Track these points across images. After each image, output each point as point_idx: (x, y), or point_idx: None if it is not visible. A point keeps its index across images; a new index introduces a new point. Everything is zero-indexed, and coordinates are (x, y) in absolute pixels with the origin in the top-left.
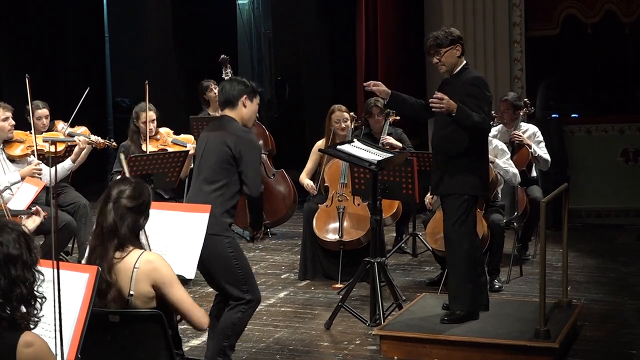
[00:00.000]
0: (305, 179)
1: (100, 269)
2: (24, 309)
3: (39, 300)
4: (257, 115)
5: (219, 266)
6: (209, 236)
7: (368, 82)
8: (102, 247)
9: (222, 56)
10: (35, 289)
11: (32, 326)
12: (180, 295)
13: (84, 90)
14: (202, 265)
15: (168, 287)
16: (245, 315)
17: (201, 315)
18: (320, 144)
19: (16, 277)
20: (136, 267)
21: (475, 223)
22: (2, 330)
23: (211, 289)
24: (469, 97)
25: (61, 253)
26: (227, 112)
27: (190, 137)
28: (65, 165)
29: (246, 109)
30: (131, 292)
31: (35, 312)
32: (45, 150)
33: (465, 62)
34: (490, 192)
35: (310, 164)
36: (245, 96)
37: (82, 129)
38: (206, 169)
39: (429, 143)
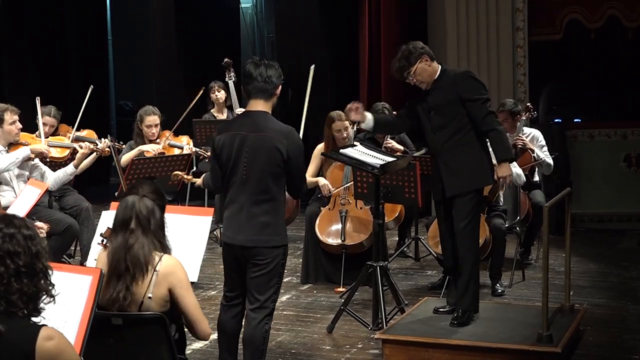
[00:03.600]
0: (320, 179)
1: (103, 271)
2: (28, 302)
3: (48, 291)
4: None
5: (265, 275)
6: (275, 248)
7: (350, 106)
8: (145, 239)
9: (226, 59)
10: (42, 282)
11: (34, 319)
12: (192, 302)
13: (87, 92)
14: (242, 269)
15: (183, 290)
16: (270, 326)
17: (206, 326)
18: (320, 148)
19: (21, 270)
20: (156, 270)
21: (479, 222)
22: (20, 323)
23: (214, 292)
24: (466, 93)
25: (63, 256)
26: (261, 105)
27: (185, 137)
28: (68, 171)
29: (275, 99)
30: (149, 295)
31: (42, 304)
32: (50, 155)
33: (440, 65)
34: (492, 194)
35: (312, 168)
36: (280, 86)
37: (87, 132)
38: (253, 178)
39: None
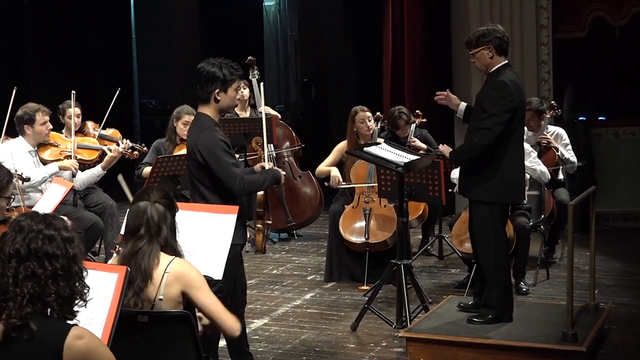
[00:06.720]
0: (333, 169)
1: (129, 269)
2: (63, 304)
3: (82, 295)
4: (280, 115)
5: None
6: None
7: (438, 94)
8: (149, 247)
9: (249, 57)
10: (77, 285)
11: (69, 322)
12: (208, 301)
13: (111, 91)
14: None
15: (198, 291)
16: None
17: (232, 321)
18: (343, 145)
19: (58, 273)
20: (167, 272)
21: (505, 227)
22: (52, 323)
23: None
24: (485, 102)
25: (88, 253)
26: (200, 107)
27: None
28: (95, 172)
29: (220, 102)
30: (160, 297)
31: (75, 307)
32: (79, 158)
33: (504, 62)
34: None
35: (330, 159)
36: (217, 90)
37: (112, 131)
38: (190, 179)
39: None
